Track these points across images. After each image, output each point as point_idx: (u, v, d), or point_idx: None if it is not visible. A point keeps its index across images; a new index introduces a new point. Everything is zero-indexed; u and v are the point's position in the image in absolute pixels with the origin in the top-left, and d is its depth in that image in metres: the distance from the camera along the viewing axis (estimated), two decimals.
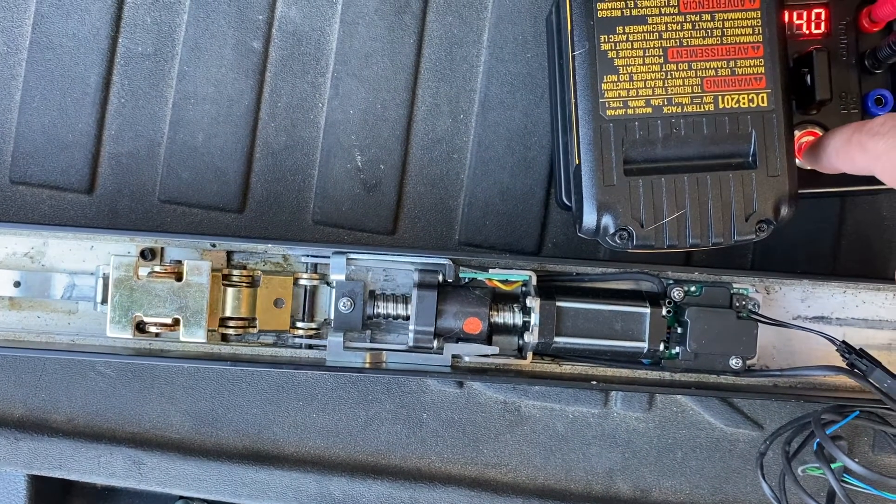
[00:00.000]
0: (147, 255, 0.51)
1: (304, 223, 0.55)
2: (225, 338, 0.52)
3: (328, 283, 0.52)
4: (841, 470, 0.47)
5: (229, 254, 0.52)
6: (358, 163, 0.55)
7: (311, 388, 0.55)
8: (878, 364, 0.47)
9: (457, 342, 0.51)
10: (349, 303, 0.51)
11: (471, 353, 0.50)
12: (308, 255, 0.52)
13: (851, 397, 0.50)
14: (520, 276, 0.51)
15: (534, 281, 0.50)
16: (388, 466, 0.55)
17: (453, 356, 0.50)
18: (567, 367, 0.52)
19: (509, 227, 0.55)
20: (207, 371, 0.55)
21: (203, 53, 0.55)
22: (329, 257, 0.51)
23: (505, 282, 0.51)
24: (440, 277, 0.50)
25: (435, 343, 0.50)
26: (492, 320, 0.50)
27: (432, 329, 0.49)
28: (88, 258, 0.51)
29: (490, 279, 0.51)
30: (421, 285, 0.50)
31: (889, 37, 0.47)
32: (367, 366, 0.50)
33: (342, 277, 0.51)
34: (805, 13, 0.50)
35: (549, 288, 0.51)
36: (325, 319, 0.52)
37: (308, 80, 0.55)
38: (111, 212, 0.55)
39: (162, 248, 0.51)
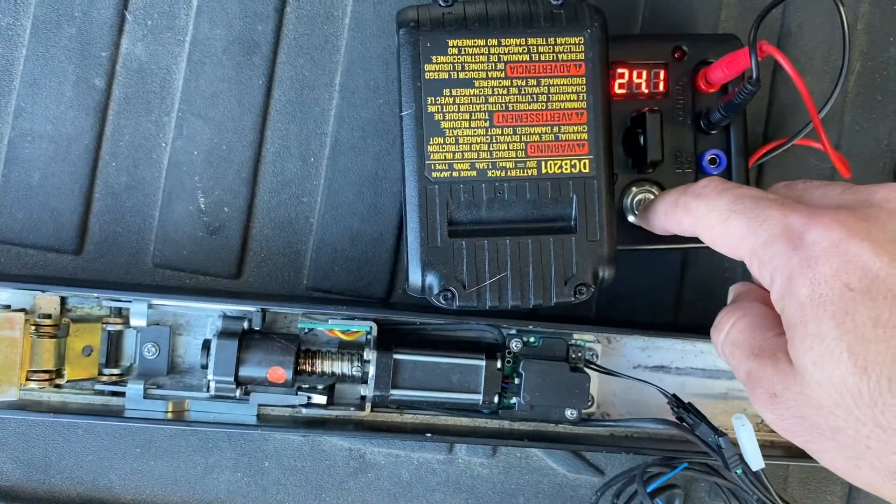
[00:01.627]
0: None
1: (143, 266, 0.53)
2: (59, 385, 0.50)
3: (135, 328, 0.51)
4: None
5: (63, 297, 0.50)
6: (201, 205, 0.53)
7: (148, 435, 0.53)
8: (703, 419, 0.48)
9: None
10: (154, 349, 0.51)
11: (276, 403, 0.50)
12: (111, 300, 0.50)
13: (684, 449, 0.51)
14: (361, 326, 0.50)
15: (374, 332, 0.50)
16: None
17: (287, 404, 0.50)
18: (409, 416, 0.52)
19: (358, 272, 0.55)
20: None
21: (42, 90, 0.53)
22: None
23: (346, 332, 0.51)
24: (245, 325, 0.50)
25: (238, 392, 0.50)
26: (301, 368, 0.50)
27: (232, 378, 0.49)
28: None
29: (331, 329, 0.51)
30: (223, 334, 0.49)
31: (720, 100, 0.49)
32: (170, 415, 0.49)
33: (143, 323, 0.50)
34: (645, 72, 0.51)
35: (394, 338, 0.51)
36: (131, 365, 0.52)
37: (152, 120, 0.53)
38: None
39: None
